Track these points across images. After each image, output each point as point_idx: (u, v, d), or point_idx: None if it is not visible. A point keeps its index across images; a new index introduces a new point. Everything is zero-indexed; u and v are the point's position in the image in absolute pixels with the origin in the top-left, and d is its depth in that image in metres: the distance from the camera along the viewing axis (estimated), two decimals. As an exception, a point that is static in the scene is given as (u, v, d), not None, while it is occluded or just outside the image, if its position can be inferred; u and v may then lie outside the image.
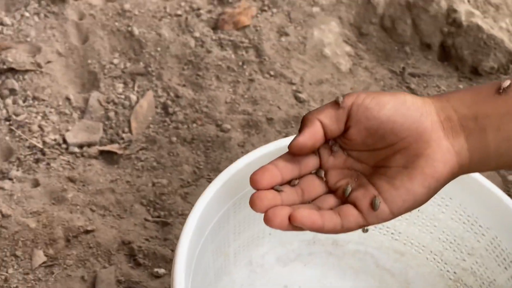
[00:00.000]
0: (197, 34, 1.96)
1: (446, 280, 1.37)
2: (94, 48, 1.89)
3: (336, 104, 0.86)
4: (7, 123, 1.71)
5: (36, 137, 1.71)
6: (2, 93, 1.75)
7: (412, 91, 2.01)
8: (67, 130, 1.75)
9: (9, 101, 1.74)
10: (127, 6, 1.95)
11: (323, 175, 0.88)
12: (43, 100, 1.77)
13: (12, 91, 1.76)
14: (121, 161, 1.72)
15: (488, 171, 1.18)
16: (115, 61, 1.90)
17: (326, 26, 2.07)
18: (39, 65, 1.81)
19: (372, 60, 2.07)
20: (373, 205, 0.81)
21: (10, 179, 1.61)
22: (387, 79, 2.04)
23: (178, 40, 1.94)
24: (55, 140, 1.72)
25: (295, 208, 0.82)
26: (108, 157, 1.73)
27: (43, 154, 1.68)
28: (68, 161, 1.68)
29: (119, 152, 1.72)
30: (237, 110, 1.84)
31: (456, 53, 2.08)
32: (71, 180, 1.63)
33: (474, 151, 0.82)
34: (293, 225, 0.81)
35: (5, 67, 1.77)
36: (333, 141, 0.88)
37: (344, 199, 0.86)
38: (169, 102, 1.84)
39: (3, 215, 1.47)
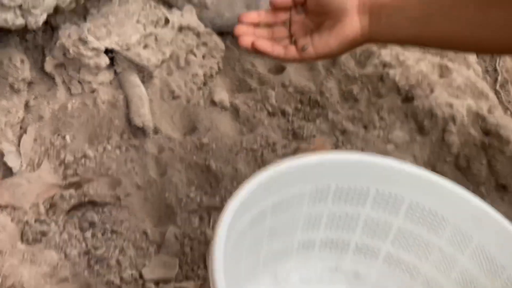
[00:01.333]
0: (272, 170, 1.98)
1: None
2: (172, 181, 1.92)
3: None
4: (86, 257, 1.73)
5: (114, 273, 1.71)
6: (82, 226, 1.78)
7: (489, 233, 1.98)
8: (144, 265, 1.75)
9: (88, 234, 1.77)
10: (205, 140, 1.99)
11: (288, 25, 1.42)
12: (121, 233, 1.79)
13: (92, 224, 1.79)
14: (196, 299, 1.71)
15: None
16: (192, 195, 1.92)
17: (400, 164, 2.07)
18: (118, 198, 1.84)
19: (447, 200, 2.05)
20: (303, 48, 1.38)
21: (88, 316, 1.61)
22: (462, 220, 2.01)
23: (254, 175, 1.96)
24: (132, 275, 1.73)
25: (258, 38, 1.39)
26: (183, 294, 1.72)
27: (120, 290, 1.68)
28: (145, 298, 1.68)
29: (195, 290, 1.72)
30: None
31: (532, 195, 2.06)
32: (147, 318, 1.63)
33: (372, 26, 1.31)
34: (253, 48, 1.38)
35: (86, 199, 1.80)
36: (300, 6, 1.40)
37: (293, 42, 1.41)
38: (244, 239, 1.84)
39: None
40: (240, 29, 1.41)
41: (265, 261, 1.39)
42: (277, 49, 1.39)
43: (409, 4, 1.25)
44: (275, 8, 1.39)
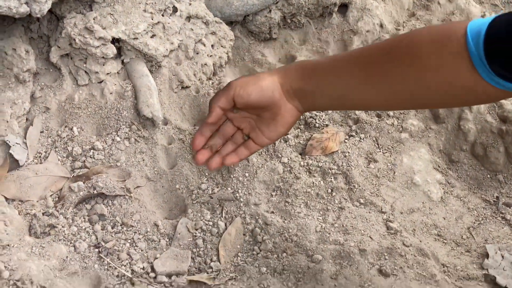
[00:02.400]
0: (285, 160, 1.93)
1: None
2: (183, 173, 1.87)
3: (226, 92, 1.44)
4: (96, 250, 1.68)
5: (124, 265, 1.67)
6: (92, 219, 1.73)
7: (508, 222, 1.93)
8: (156, 258, 1.71)
9: (98, 227, 1.72)
10: (215, 131, 1.93)
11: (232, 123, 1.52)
12: (132, 226, 1.74)
13: (101, 217, 1.74)
14: (210, 292, 1.66)
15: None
16: (203, 186, 1.87)
17: (415, 153, 2.02)
18: (128, 190, 1.79)
19: (464, 189, 2.01)
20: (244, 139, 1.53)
21: (99, 310, 1.56)
22: (480, 209, 1.97)
23: (266, 165, 1.91)
24: (143, 268, 1.68)
25: (209, 159, 1.51)
26: (197, 287, 1.67)
27: (132, 283, 1.63)
28: (157, 292, 1.63)
29: (209, 282, 1.67)
30: (327, 239, 1.78)
31: (552, 182, 2.01)
32: (160, 312, 1.58)
33: (303, 105, 1.44)
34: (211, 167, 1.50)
35: (95, 192, 1.75)
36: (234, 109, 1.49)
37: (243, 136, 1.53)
38: (257, 230, 1.79)
39: None
40: (199, 154, 1.51)
41: None
42: (231, 159, 1.52)
43: (322, 89, 1.40)
44: (214, 123, 1.49)
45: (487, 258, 1.81)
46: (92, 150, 1.85)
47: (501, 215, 1.95)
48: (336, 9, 2.37)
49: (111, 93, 1.92)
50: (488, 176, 2.03)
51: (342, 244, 1.77)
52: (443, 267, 1.78)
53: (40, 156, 1.82)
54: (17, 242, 1.60)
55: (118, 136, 1.89)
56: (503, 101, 2.06)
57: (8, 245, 1.57)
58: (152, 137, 1.91)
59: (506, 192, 2.01)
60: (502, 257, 1.81)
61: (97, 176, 1.79)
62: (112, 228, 1.74)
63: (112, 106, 1.92)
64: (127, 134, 1.89)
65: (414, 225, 1.88)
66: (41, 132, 1.85)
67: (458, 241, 1.88)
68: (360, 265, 1.73)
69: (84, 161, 1.83)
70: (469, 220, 1.94)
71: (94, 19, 1.87)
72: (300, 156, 1.97)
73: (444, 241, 1.87)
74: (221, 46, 2.13)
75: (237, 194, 1.86)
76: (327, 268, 1.70)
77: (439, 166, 2.03)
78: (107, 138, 1.88)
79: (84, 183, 1.77)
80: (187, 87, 2.03)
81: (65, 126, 1.88)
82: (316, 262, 1.72)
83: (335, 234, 1.79)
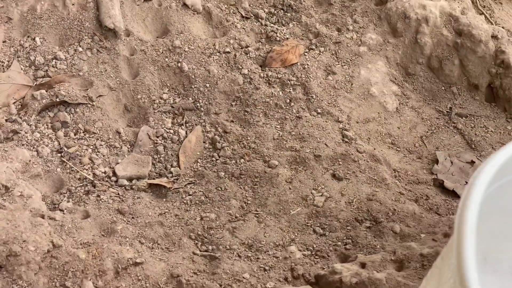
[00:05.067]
0: (245, 71, 1.98)
1: None
2: (144, 83, 1.92)
3: None
4: (59, 155, 1.74)
5: (86, 170, 1.73)
6: (54, 125, 1.78)
7: (460, 131, 2.00)
8: (117, 163, 1.77)
9: (60, 133, 1.77)
10: (177, 43, 1.97)
11: None
12: (94, 133, 1.80)
13: (64, 124, 1.79)
14: (169, 195, 1.73)
15: None
16: (165, 96, 1.92)
17: (373, 66, 2.08)
18: (90, 99, 1.83)
19: (419, 100, 2.07)
20: None
21: (61, 210, 1.63)
22: (434, 119, 2.03)
23: (226, 76, 1.96)
24: (105, 172, 1.74)
25: None
26: (157, 190, 1.74)
27: (94, 186, 1.70)
28: (118, 194, 1.70)
29: (168, 185, 1.74)
30: (284, 146, 1.84)
31: (504, 94, 2.07)
32: (120, 212, 1.65)
33: None
34: None
35: (58, 100, 1.80)
36: None
37: None
38: (217, 138, 1.85)
39: (54, 246, 1.49)
40: None
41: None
42: None
43: None
44: None
45: (437, 164, 1.89)
46: (54, 60, 1.89)
47: (453, 124, 2.02)
48: None
49: (73, 4, 1.94)
50: (443, 88, 2.09)
51: (298, 151, 1.83)
52: (395, 172, 1.86)
53: (2, 65, 1.85)
54: (-20, 146, 1.65)
55: (80, 46, 1.92)
56: (458, 15, 2.11)
57: (-29, 148, 1.62)
58: (114, 48, 1.94)
59: (459, 103, 2.07)
60: (451, 163, 1.89)
61: (60, 85, 1.83)
62: (75, 134, 1.79)
63: (75, 17, 1.95)
64: (89, 45, 1.93)
65: (369, 134, 1.95)
66: (4, 41, 1.88)
67: (410, 148, 1.95)
68: (314, 170, 1.80)
69: (47, 70, 1.87)
70: (423, 130, 2.01)
71: None
72: (260, 67, 2.01)
73: (397, 149, 1.94)
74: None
75: (198, 104, 1.92)
76: (282, 173, 1.77)
77: (395, 79, 2.08)
78: (69, 48, 1.92)
79: (46, 91, 1.81)
80: (149, -1, 2.06)
81: (28, 36, 1.91)
82: (273, 167, 1.79)
83: (292, 142, 1.86)
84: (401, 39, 2.12)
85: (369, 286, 1.45)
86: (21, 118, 1.77)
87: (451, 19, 2.12)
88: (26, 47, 1.89)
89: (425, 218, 1.71)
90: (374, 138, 1.95)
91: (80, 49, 1.92)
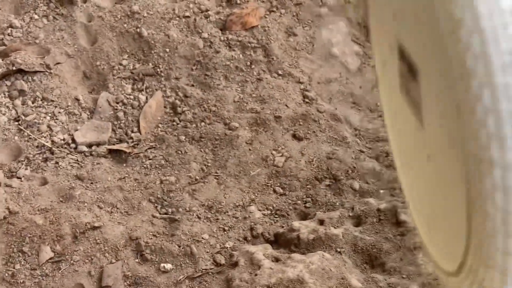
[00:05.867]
0: (205, 35, 1.97)
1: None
2: (103, 49, 1.90)
3: None
4: (16, 123, 1.73)
5: (45, 137, 1.72)
6: (11, 94, 1.77)
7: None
8: (76, 130, 1.76)
9: (18, 102, 1.76)
10: (135, 8, 1.96)
11: None
12: (52, 101, 1.79)
13: (21, 92, 1.78)
14: (129, 160, 1.72)
15: None
16: (124, 62, 1.91)
17: (334, 26, 2.07)
18: (48, 67, 1.82)
19: (381, 59, 2.07)
20: None
21: (19, 177, 1.62)
22: (396, 78, 2.03)
23: (186, 41, 1.95)
24: (64, 139, 1.73)
25: None
26: (116, 156, 1.74)
27: (52, 153, 1.69)
28: (77, 160, 1.69)
29: (128, 151, 1.73)
30: (245, 108, 1.84)
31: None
32: (79, 178, 1.64)
33: None
34: None
35: (14, 68, 1.78)
36: None
37: None
38: (177, 102, 1.84)
39: (10, 212, 1.48)
40: None
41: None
42: None
43: None
44: None
45: (398, 121, 1.89)
46: (10, 28, 1.87)
47: (415, 82, 2.02)
48: None
49: (27, -28, 1.92)
50: (405, 46, 2.09)
51: (258, 112, 1.83)
52: (356, 131, 1.86)
53: (-43, 35, 1.84)
54: None
55: (36, 14, 1.90)
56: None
57: None
58: (71, 15, 1.92)
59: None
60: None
61: (16, 53, 1.81)
62: (33, 103, 1.78)
63: (30, -15, 1.93)
64: (45, 12, 1.91)
65: (331, 94, 1.95)
66: (-42, 11, 1.86)
67: (372, 108, 1.95)
68: (275, 130, 1.80)
69: (2, 39, 1.85)
70: (385, 89, 2.01)
71: None
72: (220, 31, 2.00)
73: (359, 108, 1.94)
74: None
75: (158, 69, 1.90)
76: (243, 134, 1.77)
77: (357, 39, 2.08)
78: (25, 16, 1.90)
79: (3, 60, 1.79)
80: (106, -35, 2.03)
81: (-17, 6, 1.89)
82: (233, 129, 1.79)
83: (252, 104, 1.86)
84: (362, -1, 2.11)
85: (326, 241, 1.46)
86: (-23, 87, 1.75)
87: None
88: (-19, 16, 1.87)
89: (385, 175, 1.71)
90: (336, 98, 1.95)
91: (36, 16, 1.90)
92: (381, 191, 1.66)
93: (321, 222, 1.53)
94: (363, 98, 1.97)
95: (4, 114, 1.73)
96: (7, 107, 1.75)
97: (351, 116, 1.90)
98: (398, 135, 0.70)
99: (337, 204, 1.64)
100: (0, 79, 1.78)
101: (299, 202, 1.66)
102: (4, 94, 1.77)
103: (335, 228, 1.49)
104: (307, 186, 1.69)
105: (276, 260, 1.45)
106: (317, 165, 1.73)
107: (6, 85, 1.79)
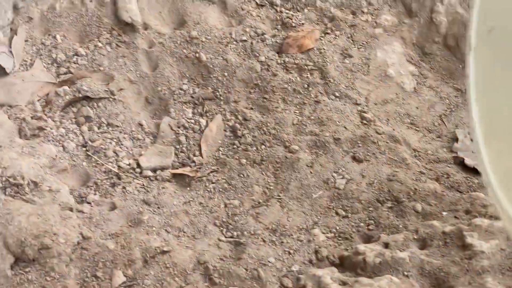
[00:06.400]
0: (262, 58, 2.01)
1: None
2: (164, 75, 1.95)
3: None
4: (84, 149, 1.78)
5: (111, 162, 1.77)
6: (78, 120, 1.82)
7: (478, 109, 2.02)
8: (141, 155, 1.80)
9: (84, 128, 1.81)
10: (194, 33, 2.00)
11: None
12: (117, 126, 1.84)
13: (88, 118, 1.83)
14: (193, 184, 1.76)
15: None
16: (184, 87, 1.95)
17: (389, 47, 2.09)
18: (112, 93, 1.87)
19: (437, 79, 2.09)
20: None
21: (89, 203, 1.67)
22: (452, 97, 2.05)
23: (244, 64, 1.98)
24: (129, 164, 1.78)
25: None
26: (180, 180, 1.78)
27: (119, 178, 1.74)
28: (143, 185, 1.74)
29: (191, 174, 1.77)
30: (304, 131, 1.87)
31: (521, 69, 2.08)
32: (146, 203, 1.69)
33: None
34: None
35: (80, 95, 1.84)
36: None
37: None
38: (237, 125, 1.88)
39: (83, 237, 1.53)
40: None
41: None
42: None
43: None
44: None
45: (457, 142, 1.90)
46: (75, 56, 1.93)
47: (471, 102, 2.03)
48: None
49: (90, 1, 1.98)
50: (460, 66, 2.10)
51: (317, 135, 1.86)
52: (415, 152, 1.88)
53: (26, 64, 1.90)
54: (8, 144, 1.69)
55: (100, 42, 1.96)
56: (473, -8, 2.11)
57: (0, 146, 1.67)
58: (133, 42, 1.98)
59: (477, 81, 2.08)
60: (471, 140, 1.90)
61: (82, 81, 1.87)
62: (98, 128, 1.83)
63: (93, 13, 1.98)
64: (108, 40, 1.97)
65: (388, 115, 1.97)
66: (26, 41, 1.93)
67: (430, 128, 1.97)
68: (334, 153, 1.82)
69: (69, 67, 1.91)
70: (441, 108, 2.02)
71: None
72: (277, 54, 2.04)
73: (416, 128, 1.96)
74: (197, -49, 2.17)
75: (217, 93, 1.95)
76: (303, 157, 1.80)
77: (412, 59, 2.10)
78: (89, 44, 1.96)
79: (69, 87, 1.85)
80: (165, -8, 2.09)
81: (49, 35, 1.95)
82: (293, 152, 1.82)
83: (311, 126, 1.88)
84: (416, 19, 2.13)
85: (393, 265, 1.47)
86: (46, 115, 1.81)
87: (465, -3, 2.13)
88: (48, 45, 1.93)
89: (447, 196, 1.73)
90: (393, 119, 1.97)
91: (100, 44, 1.95)
92: (444, 213, 1.67)
93: (386, 245, 1.55)
94: (420, 119, 1.99)
95: (72, 140, 1.78)
96: (75, 133, 1.80)
97: (409, 137, 1.91)
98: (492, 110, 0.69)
99: (401, 226, 1.65)
100: (67, 106, 1.84)
101: (362, 224, 1.68)
102: (71, 120, 1.83)
103: (401, 251, 1.51)
104: (369, 208, 1.71)
105: (343, 283, 1.47)
106: (378, 187, 1.75)
107: (73, 111, 1.84)
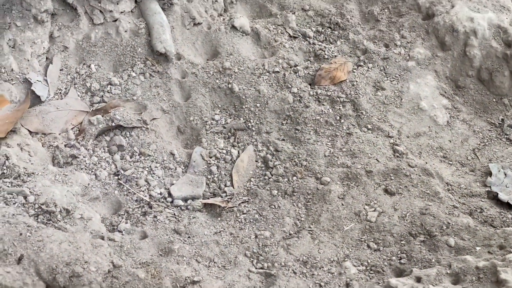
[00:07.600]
0: (295, 90, 2.01)
1: None
2: (196, 105, 1.96)
3: None
4: (116, 177, 1.79)
5: (143, 191, 1.77)
6: (111, 149, 1.83)
7: (512, 143, 2.00)
8: (172, 184, 1.81)
9: (117, 156, 1.82)
10: (227, 64, 2.02)
11: None
12: (149, 155, 1.84)
13: (120, 147, 1.84)
14: (224, 214, 1.76)
15: None
16: (216, 117, 1.96)
17: (422, 80, 2.09)
18: (145, 122, 1.88)
19: (470, 113, 2.07)
20: None
21: (120, 231, 1.67)
22: (486, 131, 2.03)
23: (276, 96, 1.99)
24: (160, 193, 1.78)
25: None
26: (211, 210, 1.78)
27: (150, 207, 1.74)
28: (174, 214, 1.74)
29: (222, 205, 1.77)
30: (336, 163, 1.86)
31: (556, 104, 2.06)
32: (177, 232, 1.68)
33: None
34: None
35: (113, 124, 1.85)
36: None
37: None
38: (269, 156, 1.88)
39: (114, 266, 1.53)
40: None
41: None
42: None
43: None
44: None
45: (490, 176, 1.88)
46: (109, 86, 1.95)
47: (505, 136, 2.01)
48: None
49: (125, 31, 2.01)
50: (494, 100, 2.09)
51: (349, 167, 1.85)
52: (447, 185, 1.86)
53: (60, 92, 1.92)
54: (41, 171, 1.71)
55: (133, 71, 1.98)
56: (507, 26, 2.10)
57: (32, 173, 1.68)
58: (166, 72, 1.99)
59: (511, 115, 2.06)
60: (505, 175, 1.88)
61: (115, 110, 1.89)
62: (131, 157, 1.84)
63: (127, 43, 2.01)
64: (142, 70, 1.99)
65: (420, 148, 1.95)
66: (61, 69, 1.95)
67: (463, 162, 1.95)
68: (366, 185, 1.81)
69: (102, 96, 1.93)
70: (475, 142, 2.00)
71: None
72: (309, 86, 2.04)
73: (449, 162, 1.94)
74: (231, -17, 2.19)
75: (249, 124, 1.95)
76: (335, 189, 1.79)
77: (445, 92, 2.09)
78: (123, 74, 1.98)
79: (102, 116, 1.87)
80: (199, 23, 2.10)
81: (83, 64, 1.98)
82: (325, 184, 1.81)
83: (343, 158, 1.88)
84: (449, 52, 2.12)
85: (425, 300, 1.45)
86: (79, 143, 1.83)
87: (499, 31, 2.11)
88: (82, 74, 1.96)
89: (480, 231, 1.70)
90: (426, 152, 1.95)
91: (134, 74, 1.97)
92: (477, 248, 1.64)
93: (418, 280, 1.53)
94: (453, 152, 1.97)
95: (104, 169, 1.79)
96: (107, 161, 1.81)
97: (442, 171, 1.90)
98: None
99: (433, 260, 1.63)
100: (100, 134, 1.86)
101: (393, 258, 1.66)
102: (104, 149, 1.84)
103: (433, 286, 1.48)
104: (401, 242, 1.69)
105: (375, 318, 1.45)
106: (411, 220, 1.73)
107: (106, 140, 1.86)
